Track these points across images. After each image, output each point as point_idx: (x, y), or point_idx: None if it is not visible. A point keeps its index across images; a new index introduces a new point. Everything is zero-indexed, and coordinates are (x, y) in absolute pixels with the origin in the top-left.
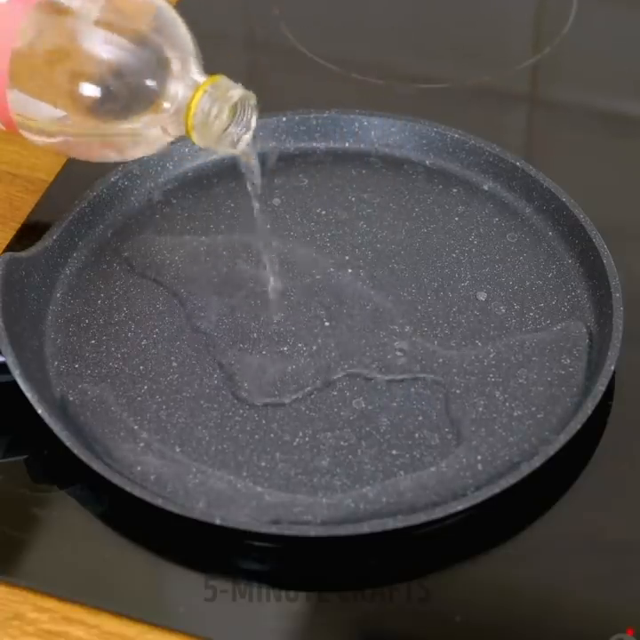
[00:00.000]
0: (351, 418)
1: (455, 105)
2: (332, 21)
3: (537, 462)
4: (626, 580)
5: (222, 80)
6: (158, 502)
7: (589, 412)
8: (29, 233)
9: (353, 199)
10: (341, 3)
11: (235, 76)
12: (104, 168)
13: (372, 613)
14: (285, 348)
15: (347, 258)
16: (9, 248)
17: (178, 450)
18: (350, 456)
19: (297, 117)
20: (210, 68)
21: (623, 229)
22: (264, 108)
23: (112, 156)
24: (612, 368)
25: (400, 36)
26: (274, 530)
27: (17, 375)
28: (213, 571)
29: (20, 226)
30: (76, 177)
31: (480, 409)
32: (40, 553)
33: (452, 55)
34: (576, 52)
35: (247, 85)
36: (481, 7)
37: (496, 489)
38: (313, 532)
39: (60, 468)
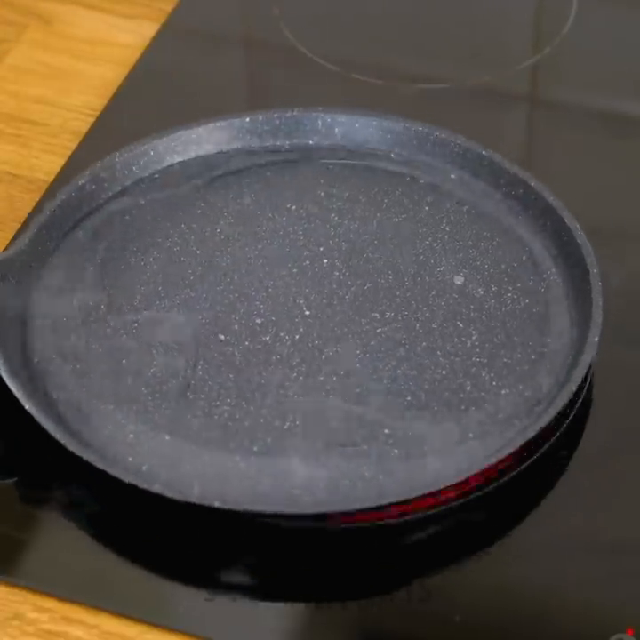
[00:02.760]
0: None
1: (455, 105)
2: (332, 21)
3: (531, 432)
4: (625, 581)
5: None
6: (155, 488)
7: (579, 381)
8: None
9: (322, 194)
10: (341, 3)
11: (235, 76)
12: None
13: (371, 613)
14: (268, 338)
15: (321, 249)
16: (9, 248)
17: (168, 439)
18: (342, 438)
19: (260, 117)
20: (209, 68)
21: (623, 229)
22: (265, 109)
23: None
24: (596, 340)
25: (400, 36)
26: (269, 509)
27: (3, 372)
28: (213, 570)
29: (19, 226)
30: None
31: (468, 388)
32: (40, 553)
33: (452, 55)
34: (576, 52)
35: (247, 85)
36: (481, 7)
37: (492, 460)
38: (310, 509)
39: (55, 467)
